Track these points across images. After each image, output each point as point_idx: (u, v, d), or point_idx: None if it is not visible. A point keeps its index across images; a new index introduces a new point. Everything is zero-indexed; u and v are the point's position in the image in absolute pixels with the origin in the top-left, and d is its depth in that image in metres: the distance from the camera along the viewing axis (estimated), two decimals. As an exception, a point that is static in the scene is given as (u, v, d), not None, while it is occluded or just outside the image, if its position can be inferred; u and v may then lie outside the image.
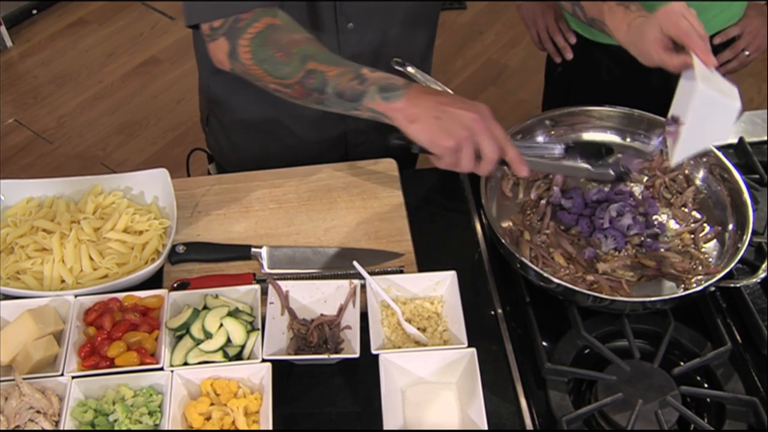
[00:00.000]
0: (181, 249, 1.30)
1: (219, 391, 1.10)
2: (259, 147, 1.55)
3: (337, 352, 1.15)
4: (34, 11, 3.64)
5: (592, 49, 1.77)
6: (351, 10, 1.31)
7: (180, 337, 1.16)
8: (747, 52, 1.69)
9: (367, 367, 1.13)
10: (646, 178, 1.38)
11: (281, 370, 1.14)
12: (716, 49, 1.70)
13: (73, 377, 1.11)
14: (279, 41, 1.13)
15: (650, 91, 1.76)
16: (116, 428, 1.07)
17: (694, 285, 1.22)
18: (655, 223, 1.30)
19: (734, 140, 1.50)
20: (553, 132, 1.43)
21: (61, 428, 1.06)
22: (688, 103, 1.13)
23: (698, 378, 1.17)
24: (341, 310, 1.20)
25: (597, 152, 1.29)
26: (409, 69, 1.39)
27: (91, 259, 1.27)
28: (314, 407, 1.15)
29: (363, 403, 1.14)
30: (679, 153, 1.16)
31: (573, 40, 1.77)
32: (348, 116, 1.34)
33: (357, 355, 1.13)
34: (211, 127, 1.62)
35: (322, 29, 1.31)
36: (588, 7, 1.33)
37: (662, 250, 1.27)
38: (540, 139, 1.42)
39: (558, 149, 1.28)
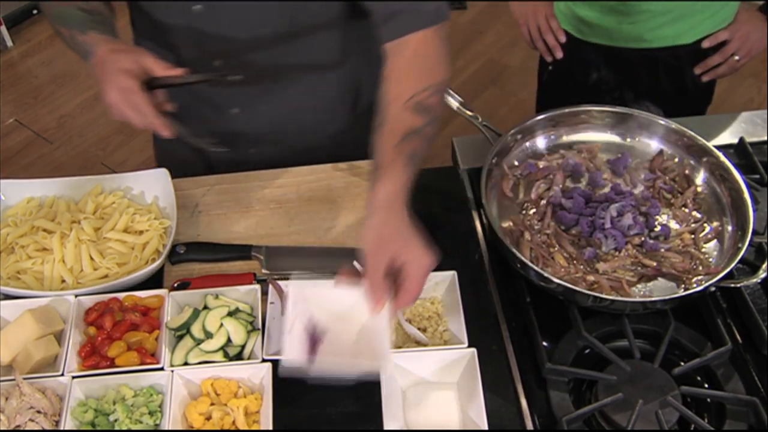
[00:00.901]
0: (181, 249, 1.30)
1: (219, 391, 1.10)
2: (193, 160, 1.54)
3: (337, 352, 1.15)
4: (35, 11, 3.64)
5: (582, 47, 1.77)
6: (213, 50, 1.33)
7: (180, 337, 1.16)
8: (737, 57, 1.69)
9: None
10: (643, 176, 1.38)
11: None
12: (705, 53, 1.70)
13: (74, 377, 1.11)
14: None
15: (640, 90, 1.78)
16: (116, 428, 1.07)
17: (695, 285, 1.22)
18: (659, 225, 1.30)
19: (734, 140, 1.50)
20: (553, 132, 1.43)
21: (62, 428, 1.06)
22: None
23: (698, 378, 1.17)
24: (341, 309, 1.20)
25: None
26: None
27: (91, 259, 1.27)
28: (314, 407, 1.14)
29: (363, 403, 1.14)
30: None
31: (563, 38, 1.78)
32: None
33: None
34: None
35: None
36: None
37: (662, 250, 1.27)
38: (540, 138, 1.42)
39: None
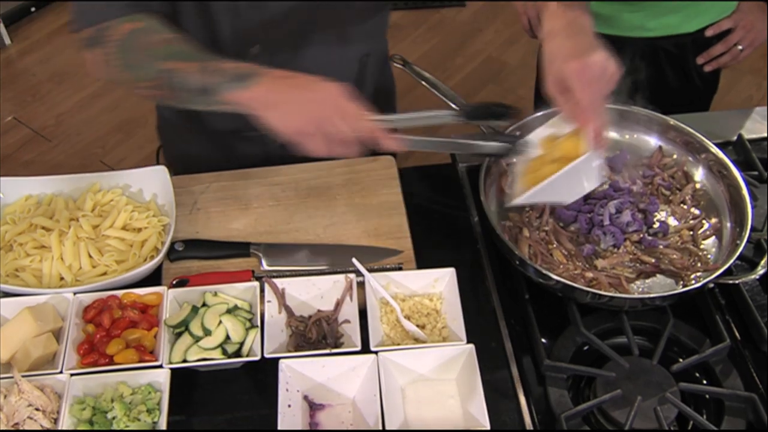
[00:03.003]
0: (180, 246, 1.30)
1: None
2: (206, 160, 1.53)
3: (337, 347, 1.15)
4: (33, 9, 3.64)
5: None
6: (253, 34, 1.28)
7: (179, 335, 1.16)
8: (740, 47, 1.69)
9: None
10: (642, 172, 1.38)
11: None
12: (708, 42, 1.70)
13: (72, 375, 1.10)
14: (143, 44, 1.14)
15: (641, 82, 1.77)
16: (114, 426, 1.07)
17: (693, 282, 1.22)
18: (657, 222, 1.30)
19: (733, 137, 1.50)
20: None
21: (60, 426, 1.06)
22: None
23: (697, 375, 1.17)
24: (338, 304, 1.20)
25: (496, 113, 1.21)
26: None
27: (90, 256, 1.27)
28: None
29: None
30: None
31: None
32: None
33: (358, 348, 1.13)
34: (164, 135, 1.64)
35: (225, 53, 1.24)
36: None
37: (661, 246, 1.27)
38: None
39: (448, 116, 1.22)
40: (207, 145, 1.52)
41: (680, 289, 1.21)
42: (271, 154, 1.45)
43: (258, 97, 1.07)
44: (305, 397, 1.13)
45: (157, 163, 1.69)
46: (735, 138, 1.50)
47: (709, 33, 1.68)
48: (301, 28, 1.31)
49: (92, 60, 1.18)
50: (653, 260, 1.25)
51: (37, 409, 1.06)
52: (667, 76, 1.76)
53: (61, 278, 1.26)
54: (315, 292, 1.22)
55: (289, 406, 1.10)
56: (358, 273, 1.21)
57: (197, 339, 1.14)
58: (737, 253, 1.19)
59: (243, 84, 1.08)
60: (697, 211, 1.33)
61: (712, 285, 1.19)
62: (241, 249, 1.31)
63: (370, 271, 1.21)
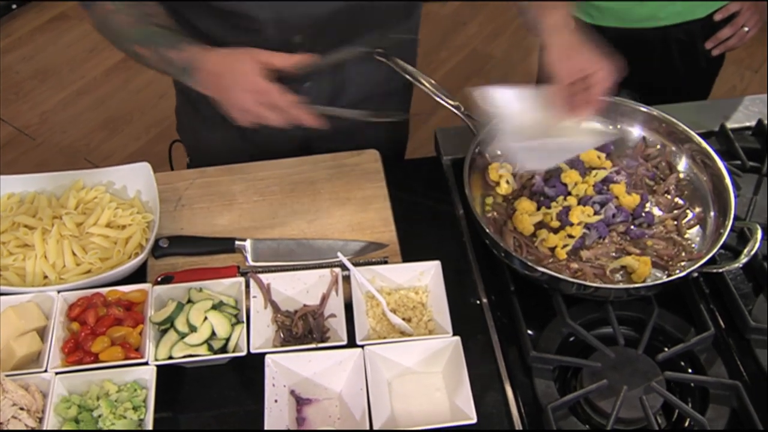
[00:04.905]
0: (164, 243, 1.29)
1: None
2: (222, 141, 1.53)
3: (323, 341, 1.15)
4: (14, 6, 3.61)
5: (591, 33, 1.76)
6: (295, 24, 1.28)
7: (164, 331, 1.15)
8: (746, 28, 1.70)
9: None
10: (626, 162, 1.38)
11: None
12: (717, 26, 1.71)
13: (57, 373, 1.10)
14: (110, 25, 1.23)
15: (649, 76, 1.77)
16: (100, 424, 1.07)
17: (678, 271, 1.22)
18: (644, 213, 1.30)
19: (716, 127, 1.51)
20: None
21: (45, 425, 1.05)
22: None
23: (682, 363, 1.18)
24: (324, 299, 1.20)
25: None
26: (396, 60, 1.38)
27: (73, 254, 1.26)
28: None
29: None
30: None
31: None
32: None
33: (345, 342, 1.13)
34: (179, 116, 1.63)
35: (267, 45, 1.22)
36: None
37: (646, 237, 1.27)
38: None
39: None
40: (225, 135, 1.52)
41: (665, 279, 1.21)
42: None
43: (202, 85, 1.17)
44: (292, 392, 1.13)
45: (169, 159, 1.68)
46: (718, 128, 1.50)
47: (717, 17, 1.69)
48: (340, 27, 1.31)
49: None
50: (638, 251, 1.25)
51: (21, 409, 1.06)
52: (676, 64, 1.76)
53: (45, 277, 1.25)
54: (300, 286, 1.22)
55: (276, 401, 1.09)
56: (344, 267, 1.21)
57: (183, 335, 1.13)
58: (721, 242, 1.19)
59: (187, 76, 1.18)
60: (681, 201, 1.34)
61: (696, 274, 1.19)
62: (226, 245, 1.30)
63: (356, 265, 1.21)
